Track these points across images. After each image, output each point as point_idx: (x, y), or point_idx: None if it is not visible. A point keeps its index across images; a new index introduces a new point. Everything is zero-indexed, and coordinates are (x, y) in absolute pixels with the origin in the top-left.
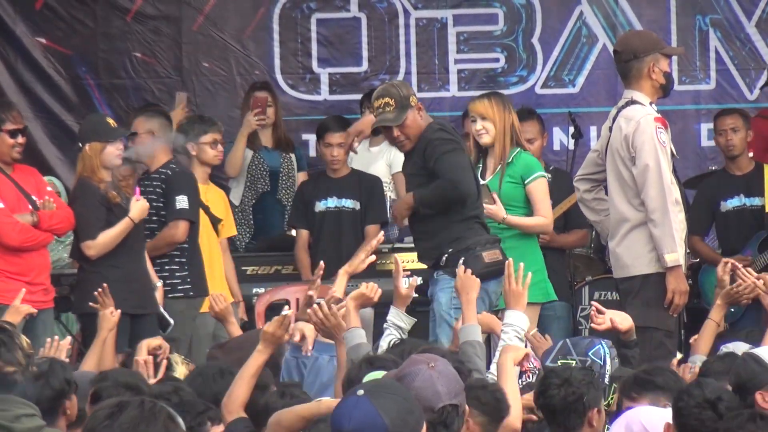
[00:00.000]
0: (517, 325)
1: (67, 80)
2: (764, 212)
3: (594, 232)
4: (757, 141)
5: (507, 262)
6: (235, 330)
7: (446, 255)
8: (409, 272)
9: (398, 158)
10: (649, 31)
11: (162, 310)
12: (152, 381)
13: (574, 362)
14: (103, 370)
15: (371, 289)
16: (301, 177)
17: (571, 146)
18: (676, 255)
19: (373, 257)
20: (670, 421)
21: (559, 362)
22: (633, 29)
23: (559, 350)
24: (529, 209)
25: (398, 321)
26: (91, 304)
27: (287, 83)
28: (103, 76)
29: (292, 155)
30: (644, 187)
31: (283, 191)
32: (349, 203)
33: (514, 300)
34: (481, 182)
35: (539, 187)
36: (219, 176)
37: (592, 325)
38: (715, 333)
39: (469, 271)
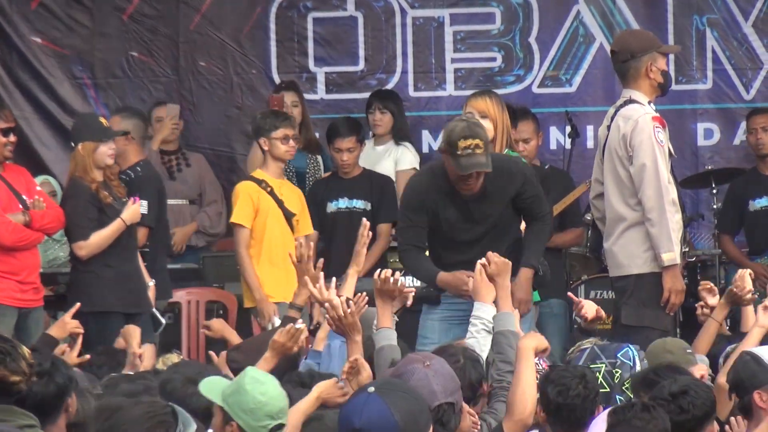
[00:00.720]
0: (486, 318)
1: (63, 79)
2: None
3: (590, 231)
4: None
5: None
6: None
7: None
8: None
9: (404, 156)
10: (645, 30)
11: (155, 310)
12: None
13: (603, 366)
14: None
15: (391, 281)
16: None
17: (568, 145)
18: (673, 254)
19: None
20: None
21: (590, 367)
22: (629, 29)
23: (588, 356)
24: None
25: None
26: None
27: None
28: (100, 75)
29: (319, 157)
30: (641, 186)
31: None
32: (360, 204)
33: (485, 292)
34: None
35: None
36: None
37: (583, 313)
38: (716, 332)
39: (498, 258)
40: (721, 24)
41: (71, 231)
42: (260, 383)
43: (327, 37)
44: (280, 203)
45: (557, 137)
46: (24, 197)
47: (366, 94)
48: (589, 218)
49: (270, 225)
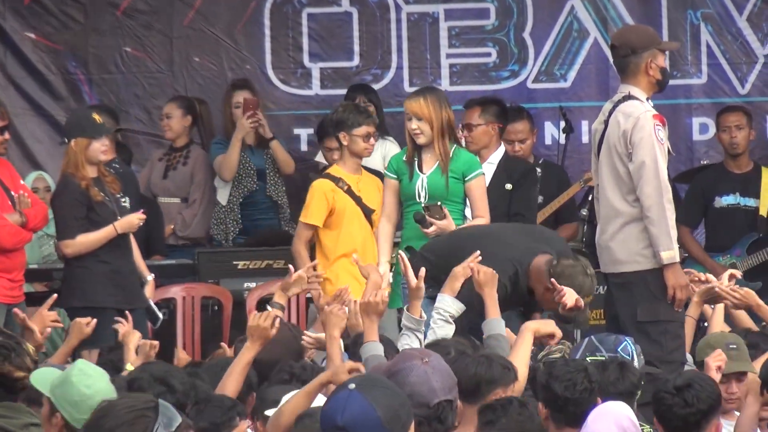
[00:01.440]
0: (443, 308)
1: (57, 75)
2: (757, 214)
3: (585, 226)
4: None
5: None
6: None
7: None
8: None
9: (392, 151)
10: (645, 25)
11: (152, 303)
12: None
13: (603, 359)
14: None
15: (373, 295)
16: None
17: (563, 141)
18: (672, 252)
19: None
20: None
21: (588, 359)
22: (630, 24)
23: (586, 347)
24: (464, 205)
25: (410, 323)
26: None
27: (278, 78)
28: (94, 71)
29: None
30: (640, 183)
31: (272, 187)
32: None
33: (450, 282)
34: (422, 197)
35: (480, 185)
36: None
37: (563, 301)
38: (694, 329)
39: (485, 268)
40: (715, 18)
41: (58, 228)
42: (87, 376)
43: (321, 32)
44: (358, 200)
45: (552, 132)
46: (12, 192)
47: None
48: (584, 213)
49: (347, 223)
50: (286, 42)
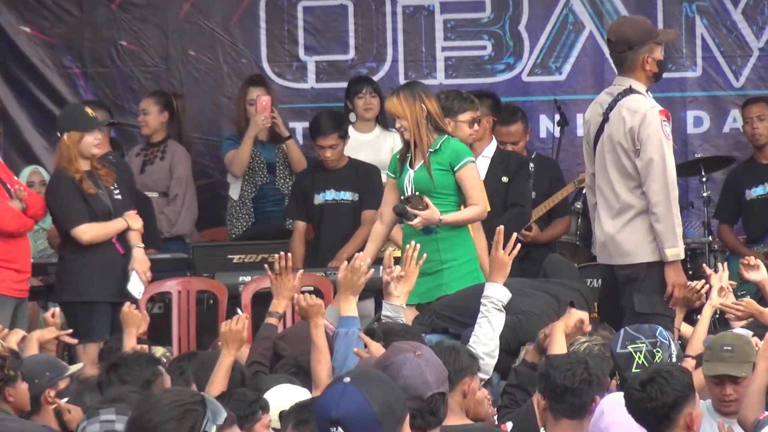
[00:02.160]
0: (495, 297)
1: (52, 69)
2: None
3: (579, 219)
4: None
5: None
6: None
7: None
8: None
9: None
10: (641, 18)
11: (135, 275)
12: None
13: (644, 346)
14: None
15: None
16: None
17: (557, 134)
18: (677, 249)
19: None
20: None
21: (629, 348)
22: (625, 16)
23: (624, 337)
24: (459, 196)
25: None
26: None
27: (274, 71)
28: (89, 64)
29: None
30: (647, 180)
31: (281, 180)
32: (347, 195)
33: (498, 270)
34: (409, 192)
35: (470, 173)
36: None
37: None
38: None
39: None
40: (710, 11)
41: (64, 220)
42: None
43: (317, 25)
44: None
45: (547, 125)
46: (8, 185)
47: None
48: (579, 206)
49: None
50: (282, 35)
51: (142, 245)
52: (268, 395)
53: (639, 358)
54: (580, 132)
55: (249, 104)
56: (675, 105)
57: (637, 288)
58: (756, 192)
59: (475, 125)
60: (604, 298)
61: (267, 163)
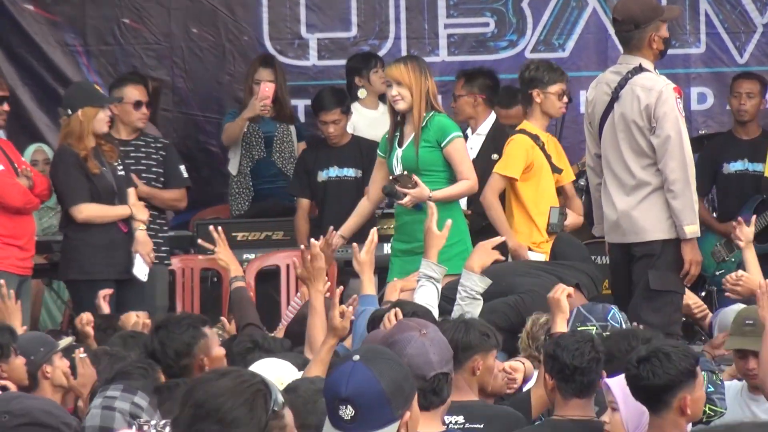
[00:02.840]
0: (468, 285)
1: (55, 47)
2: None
3: (583, 196)
4: None
5: (446, 223)
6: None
7: None
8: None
9: None
10: None
11: (138, 257)
12: None
13: (594, 328)
14: None
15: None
16: (300, 147)
17: None
18: (695, 227)
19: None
20: None
21: (578, 329)
22: None
23: (576, 317)
24: (450, 172)
25: (429, 272)
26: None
27: (276, 49)
28: (92, 42)
29: (292, 126)
30: (664, 157)
31: (278, 154)
32: (351, 172)
33: (475, 259)
34: (398, 171)
35: (457, 148)
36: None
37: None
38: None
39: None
40: None
41: (66, 196)
42: None
43: (319, 3)
44: (548, 158)
45: None
46: (16, 165)
47: None
48: (582, 183)
49: (543, 181)
50: (284, 13)
51: (144, 227)
52: (252, 369)
53: None
54: (583, 109)
55: (255, 83)
56: (679, 82)
57: (653, 264)
58: (734, 167)
59: (564, 97)
60: (616, 275)
61: (265, 137)
